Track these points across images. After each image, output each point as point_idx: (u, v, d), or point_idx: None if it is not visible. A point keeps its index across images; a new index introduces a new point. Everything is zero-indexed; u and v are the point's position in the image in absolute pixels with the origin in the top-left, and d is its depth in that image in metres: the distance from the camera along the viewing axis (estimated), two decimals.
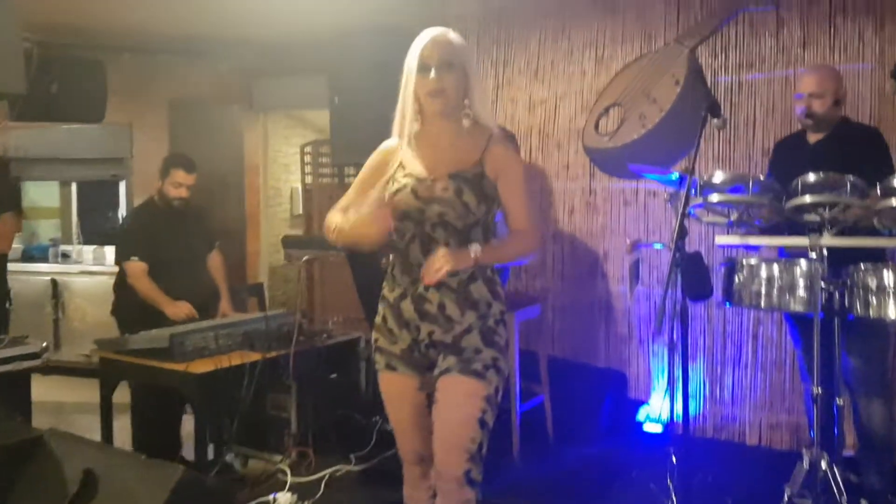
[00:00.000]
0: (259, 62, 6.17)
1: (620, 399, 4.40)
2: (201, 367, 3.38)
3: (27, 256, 6.34)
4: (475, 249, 2.15)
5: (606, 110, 4.15)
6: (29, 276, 6.17)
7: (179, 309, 3.89)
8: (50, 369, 5.79)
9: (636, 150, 3.94)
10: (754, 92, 4.05)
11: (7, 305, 4.16)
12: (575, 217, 4.60)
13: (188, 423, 3.85)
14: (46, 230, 6.80)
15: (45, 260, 6.28)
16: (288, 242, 3.36)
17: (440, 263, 2.09)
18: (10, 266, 6.11)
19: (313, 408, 3.97)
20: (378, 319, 2.30)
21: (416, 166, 2.25)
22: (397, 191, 2.22)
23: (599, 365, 4.51)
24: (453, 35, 2.23)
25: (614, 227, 4.47)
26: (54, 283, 6.09)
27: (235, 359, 3.52)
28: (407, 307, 2.22)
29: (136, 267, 3.92)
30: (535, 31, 4.67)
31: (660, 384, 4.33)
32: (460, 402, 2.16)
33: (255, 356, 3.58)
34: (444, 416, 2.17)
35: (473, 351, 2.19)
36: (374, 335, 2.32)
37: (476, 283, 2.22)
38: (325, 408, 4.03)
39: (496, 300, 2.25)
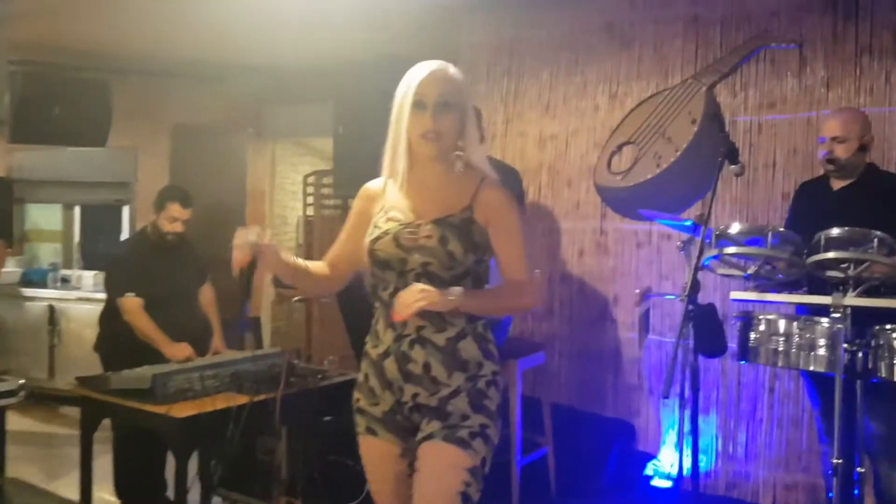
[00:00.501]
0: (269, 88, 6.07)
1: (628, 451, 4.18)
2: (183, 410, 3.20)
3: (26, 281, 6.23)
4: (456, 292, 1.95)
5: (620, 148, 4.00)
6: (27, 302, 6.06)
7: (178, 350, 3.72)
8: (43, 397, 5.68)
9: (650, 190, 3.78)
10: (775, 133, 3.87)
11: None
12: (585, 259, 4.41)
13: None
14: (47, 254, 6.70)
15: (44, 285, 6.16)
16: (279, 280, 3.20)
17: (414, 297, 1.90)
18: (8, 290, 6.06)
19: (304, 453, 3.78)
20: (360, 377, 2.13)
21: (399, 210, 2.07)
22: (377, 238, 2.05)
23: (607, 414, 4.30)
24: (453, 70, 2.06)
25: (626, 270, 4.28)
26: (51, 308, 5.96)
27: (220, 402, 3.32)
28: (390, 366, 2.04)
29: (133, 303, 3.77)
30: (548, 64, 4.52)
31: (670, 437, 4.10)
32: (442, 472, 1.97)
33: (241, 399, 3.39)
34: (424, 489, 1.98)
35: (460, 416, 2.00)
36: (355, 394, 2.14)
37: (465, 341, 2.03)
38: (317, 453, 3.83)
39: (488, 360, 2.07)
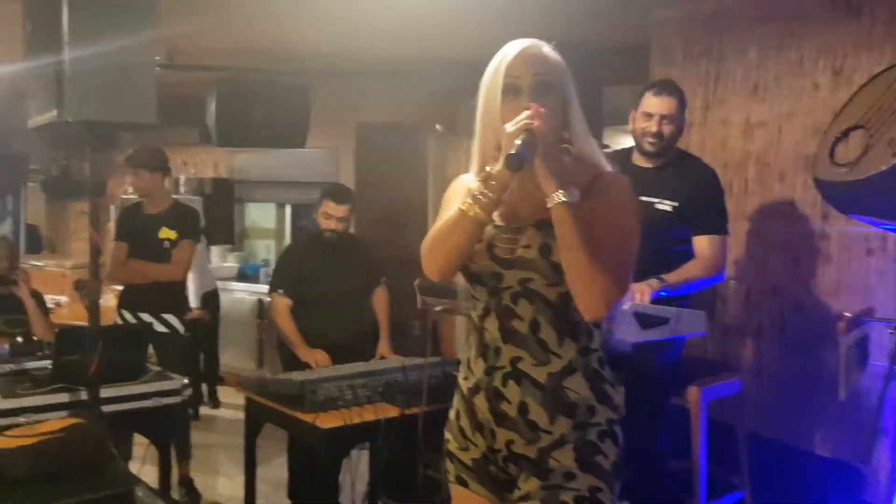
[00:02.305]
0: (462, 83, 5.89)
1: (852, 501, 3.46)
2: (329, 420, 3.07)
3: (241, 276, 6.61)
4: (574, 193, 1.55)
5: (846, 134, 3.35)
6: (241, 296, 6.42)
7: (314, 357, 3.66)
8: None
9: (884, 184, 3.13)
10: None
11: (183, 332, 4.16)
12: (801, 268, 3.72)
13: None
14: (263, 251, 7.08)
15: (256, 280, 6.49)
16: (424, 289, 2.97)
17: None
18: (225, 285, 6.46)
19: None
20: (451, 414, 1.82)
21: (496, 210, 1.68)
22: None
23: (824, 454, 3.59)
24: (548, 49, 1.71)
25: (853, 282, 3.54)
26: (260, 303, 6.25)
27: (368, 413, 3.16)
28: (481, 404, 1.70)
29: (280, 302, 3.78)
30: (756, 39, 3.87)
31: None
32: None
33: (392, 411, 3.21)
34: None
35: (563, 476, 1.62)
36: (445, 434, 1.84)
37: (573, 378, 1.64)
38: None
39: (604, 405, 1.66)
